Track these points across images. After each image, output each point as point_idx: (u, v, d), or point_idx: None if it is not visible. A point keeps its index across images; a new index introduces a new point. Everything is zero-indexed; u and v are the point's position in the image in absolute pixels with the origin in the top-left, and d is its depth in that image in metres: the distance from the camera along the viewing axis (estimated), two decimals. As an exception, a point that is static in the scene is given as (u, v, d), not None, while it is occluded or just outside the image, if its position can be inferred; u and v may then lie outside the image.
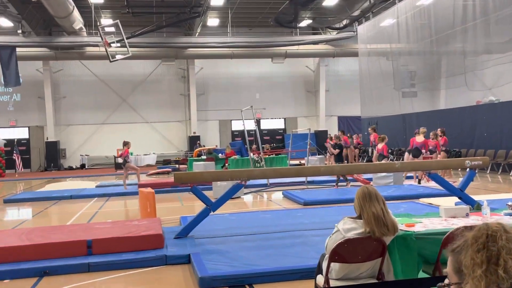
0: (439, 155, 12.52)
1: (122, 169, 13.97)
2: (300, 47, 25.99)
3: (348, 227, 3.18)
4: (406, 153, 12.81)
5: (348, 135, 21.01)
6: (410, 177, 13.09)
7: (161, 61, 26.28)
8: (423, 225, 3.80)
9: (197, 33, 25.29)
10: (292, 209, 9.10)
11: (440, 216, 4.18)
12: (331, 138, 21.07)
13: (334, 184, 11.91)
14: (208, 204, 6.37)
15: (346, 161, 17.38)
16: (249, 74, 28.70)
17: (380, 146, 12.29)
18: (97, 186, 14.97)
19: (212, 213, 6.53)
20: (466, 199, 6.81)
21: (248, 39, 25.18)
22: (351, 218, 3.24)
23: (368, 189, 3.21)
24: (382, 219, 3.11)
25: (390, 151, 17.71)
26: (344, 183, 11.81)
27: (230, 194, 6.57)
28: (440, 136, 12.95)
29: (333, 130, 28.88)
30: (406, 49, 20.54)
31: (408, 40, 19.95)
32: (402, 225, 3.69)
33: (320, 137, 26.06)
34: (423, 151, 12.27)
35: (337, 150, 11.81)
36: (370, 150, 18.67)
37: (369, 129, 15.83)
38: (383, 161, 11.31)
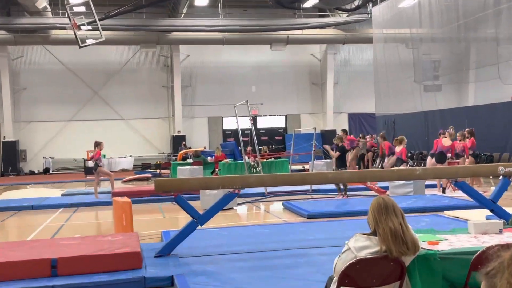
0: (467, 160, 12.56)
1: (93, 175, 13.93)
2: (304, 31, 26.03)
3: (360, 245, 3.18)
4: (429, 158, 12.84)
5: (361, 136, 21.04)
6: (433, 186, 13.12)
7: (140, 47, 26.26)
8: (448, 243, 3.80)
9: (183, 14, 25.29)
10: (294, 222, 9.08)
11: (468, 233, 4.19)
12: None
13: (337, 193, 11.92)
14: (195, 216, 6.36)
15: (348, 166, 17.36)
16: (244, 63, 28.72)
17: (398, 149, 12.30)
18: (63, 195, 14.93)
19: (199, 227, 6.51)
20: (499, 212, 6.82)
21: (242, 22, 25.20)
22: (364, 234, 3.24)
23: (384, 200, 3.21)
24: (400, 235, 3.11)
25: (409, 155, 17.74)
26: (342, 193, 11.84)
27: (221, 205, 6.55)
28: (467, 137, 12.99)
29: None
30: (429, 35, 20.59)
31: (432, 24, 20.00)
32: (424, 242, 3.69)
33: (327, 137, 26.07)
34: (449, 155, 12.30)
35: (338, 153, 11.80)
36: (378, 161, 18.69)
37: (379, 137, 15.84)
38: (401, 167, 11.34)
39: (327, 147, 12.42)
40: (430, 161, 12.63)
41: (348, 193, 12.82)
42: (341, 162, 11.86)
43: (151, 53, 27.51)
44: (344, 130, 16.14)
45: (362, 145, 20.13)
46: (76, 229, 9.33)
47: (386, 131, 22.19)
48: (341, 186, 11.82)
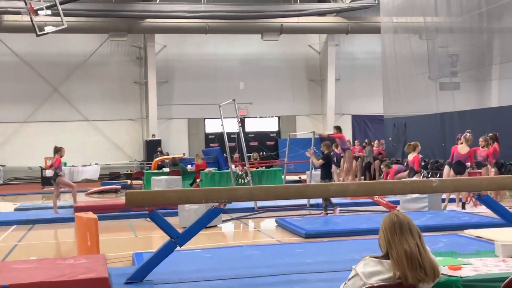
0: (492, 170, 12.61)
1: (52, 186, 13.84)
2: (301, 19, 26.11)
3: (370, 270, 3.15)
4: (446, 167, 12.88)
5: (366, 141, 21.08)
6: (451, 200, 13.16)
7: (108, 35, 26.18)
8: (473, 267, 3.79)
9: (159, -2, 25.28)
10: (289, 243, 9.04)
11: (496, 256, 4.18)
12: (337, 146, 21.18)
13: (322, 210, 11.95)
14: (173, 236, 6.31)
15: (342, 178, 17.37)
16: (230, 56, 28.74)
17: (411, 157, 12.31)
18: (16, 209, 14.81)
19: (178, 248, 6.46)
20: (529, 232, 6.83)
21: (229, 8, 25.24)
22: (374, 257, 3.21)
23: (398, 218, 3.19)
24: (417, 259, 3.09)
25: (423, 164, 17.80)
26: (331, 209, 11.85)
27: (204, 223, 6.51)
28: (490, 144, 13.06)
29: (345, 133, 28.90)
30: (446, 25, 20.70)
31: (449, 12, 20.12)
32: (444, 267, 3.68)
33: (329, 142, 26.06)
34: (468, 164, 12.35)
35: (321, 161, 11.80)
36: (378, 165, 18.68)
37: (334, 128, 15.80)
38: (414, 178, 11.37)
39: (310, 153, 12.41)
40: (447, 171, 12.66)
41: (351, 208, 12.83)
42: (325, 173, 11.87)
43: (121, 43, 27.44)
44: (337, 127, 16.02)
45: (368, 152, 20.17)
46: (31, 250, 9.23)
47: (396, 136, 22.34)
48: (327, 202, 11.84)
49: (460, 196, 12.58)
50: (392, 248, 3.13)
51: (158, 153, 25.21)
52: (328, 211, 11.87)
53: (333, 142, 16.84)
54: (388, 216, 3.24)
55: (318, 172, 16.50)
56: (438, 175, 17.64)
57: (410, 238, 3.13)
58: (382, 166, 16.16)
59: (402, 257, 3.09)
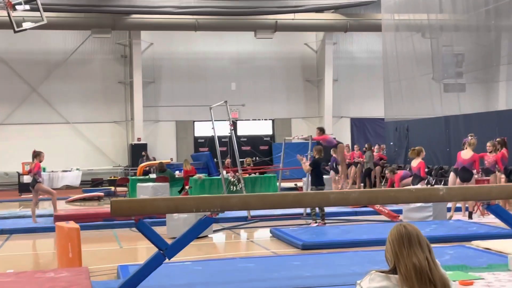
0: (502, 177, 12.61)
1: (30, 193, 13.77)
2: (297, 15, 26.12)
3: (377, 285, 3.12)
4: (452, 174, 12.88)
5: (366, 146, 21.10)
6: (457, 209, 13.14)
7: (90, 32, 26.10)
8: (485, 283, 3.77)
9: (146, -7, 25.23)
10: (285, 255, 9.02)
11: (509, 270, 4.16)
12: (335, 151, 21.17)
13: (312, 220, 11.89)
14: (161, 247, 6.27)
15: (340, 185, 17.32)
16: (221, 55, 28.72)
17: (415, 163, 12.31)
18: (-9, 218, 14.67)
19: (167, 260, 6.43)
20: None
21: (220, 3, 25.22)
22: (381, 272, 3.18)
23: (406, 229, 3.15)
24: (427, 274, 3.05)
25: (426, 170, 17.82)
26: (318, 219, 11.81)
27: (195, 233, 6.49)
28: (498, 149, 13.09)
29: (344, 137, 28.96)
30: (451, 23, 20.75)
31: (454, 9, 20.17)
32: (455, 282, 3.65)
33: (325, 147, 26.10)
34: (475, 171, 12.36)
35: (308, 167, 11.78)
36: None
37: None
38: (418, 186, 11.37)
39: (301, 157, 12.39)
40: (452, 178, 12.66)
41: (351, 218, 12.83)
42: (315, 180, 11.85)
43: (105, 40, 27.36)
44: (320, 128, 15.87)
45: (368, 158, 20.20)
46: (8, 263, 9.16)
47: (397, 140, 22.36)
48: (317, 211, 11.81)
49: (467, 205, 12.58)
50: (400, 261, 3.10)
51: (143, 158, 25.12)
52: (318, 221, 11.79)
53: (329, 147, 16.78)
54: (396, 227, 3.21)
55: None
56: (442, 182, 17.66)
57: (419, 251, 3.10)
58: (386, 172, 16.13)
59: (410, 272, 3.06)
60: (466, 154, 12.44)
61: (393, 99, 23.11)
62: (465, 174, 12.33)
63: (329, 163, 19.02)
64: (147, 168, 22.07)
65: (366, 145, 21.49)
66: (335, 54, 29.33)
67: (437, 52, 21.20)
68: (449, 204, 12.70)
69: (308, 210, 13.24)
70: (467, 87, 21.04)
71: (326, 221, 11.93)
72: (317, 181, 11.82)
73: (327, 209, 12.31)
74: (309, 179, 13.53)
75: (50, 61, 27.18)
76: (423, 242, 3.14)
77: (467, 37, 20.62)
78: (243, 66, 28.94)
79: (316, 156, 12.03)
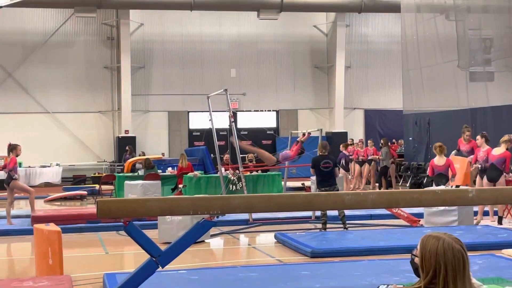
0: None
1: (5, 191, 13.77)
2: (305, -6, 26.12)
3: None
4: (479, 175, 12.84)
5: (382, 142, 21.06)
6: (485, 213, 13.12)
7: (73, 11, 26.10)
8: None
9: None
10: (292, 263, 9.02)
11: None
12: (346, 146, 21.15)
13: (322, 226, 11.87)
14: (154, 254, 6.22)
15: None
16: (220, 38, 28.70)
17: (441, 161, 12.24)
18: (-39, 219, 14.68)
19: (160, 268, 6.39)
20: None
21: (219, -21, 25.19)
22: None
23: (454, 250, 3.11)
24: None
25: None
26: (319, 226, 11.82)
27: (191, 238, 6.42)
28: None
29: (357, 131, 28.94)
30: (478, 3, 20.70)
31: (483, -13, 20.12)
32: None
33: (336, 142, 26.12)
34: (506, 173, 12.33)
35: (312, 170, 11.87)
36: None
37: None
38: (442, 187, 11.31)
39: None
40: (480, 179, 12.63)
41: (365, 221, 12.83)
42: (319, 180, 11.83)
43: (89, 20, 27.36)
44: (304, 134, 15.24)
45: (384, 154, 20.18)
46: (-20, 269, 9.16)
47: (417, 135, 22.32)
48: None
49: (496, 209, 12.54)
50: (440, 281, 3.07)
51: (127, 153, 24.85)
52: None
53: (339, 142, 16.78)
54: (442, 243, 3.14)
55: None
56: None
57: (466, 281, 3.08)
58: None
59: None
60: (497, 150, 12.40)
61: (413, 88, 23.08)
62: (493, 172, 12.29)
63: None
64: (138, 164, 22.04)
65: (382, 140, 21.46)
66: (347, 37, 29.30)
67: (463, 37, 21.14)
68: (476, 208, 12.67)
69: (317, 212, 13.26)
70: (496, 75, 21.01)
71: (334, 225, 11.93)
72: (319, 183, 11.81)
73: (335, 212, 12.25)
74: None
75: (27, 43, 27.13)
76: (467, 268, 3.12)
77: (496, 20, 20.57)
78: (244, 50, 28.92)
79: (319, 153, 12.03)
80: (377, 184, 21.08)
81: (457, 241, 3.18)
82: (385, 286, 3.27)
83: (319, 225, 12.97)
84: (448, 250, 3.12)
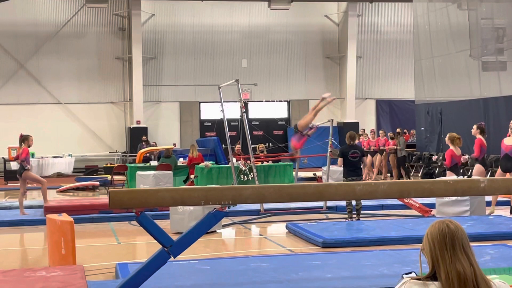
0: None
1: (18, 181, 13.82)
2: (316, -17, 26.04)
3: (415, 294, 3.07)
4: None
5: (398, 131, 21.04)
6: (498, 203, 13.07)
7: (84, 2, 26.12)
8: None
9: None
10: (303, 253, 9.04)
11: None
12: (359, 136, 21.13)
13: (348, 216, 11.88)
14: (166, 244, 6.27)
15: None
16: (231, 28, 28.66)
17: (456, 150, 12.20)
18: (-26, 209, 14.76)
19: (172, 259, 6.43)
20: None
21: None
22: (417, 279, 3.12)
23: (449, 228, 3.08)
24: (473, 282, 3.00)
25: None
26: (352, 214, 11.81)
27: (203, 229, 6.47)
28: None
29: (368, 121, 28.87)
30: (491, -8, 20.60)
31: (496, -24, 20.01)
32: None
33: (347, 133, 26.10)
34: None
35: (340, 159, 11.90)
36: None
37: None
38: (453, 177, 11.28)
39: (334, 153, 12.42)
40: (500, 170, 12.58)
41: (377, 212, 12.81)
42: (345, 170, 11.86)
43: (101, 11, 27.36)
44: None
45: (402, 144, 20.25)
46: (-7, 260, 9.22)
47: (429, 125, 22.27)
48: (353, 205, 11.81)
49: (510, 199, 12.50)
50: (441, 267, 3.03)
51: (143, 143, 25.14)
52: (353, 217, 11.81)
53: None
54: (437, 225, 3.13)
55: (336, 168, 16.47)
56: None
57: (464, 256, 3.03)
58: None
59: (453, 281, 3.00)
60: (509, 140, 12.33)
61: (425, 78, 23.04)
62: (507, 163, 12.23)
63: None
64: (148, 154, 22.08)
65: (398, 130, 21.50)
66: (359, 27, 29.20)
67: (476, 26, 21.05)
68: (488, 198, 12.63)
69: (329, 203, 13.27)
70: (508, 65, 20.92)
71: (345, 215, 11.96)
72: (347, 173, 11.82)
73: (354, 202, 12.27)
74: (329, 167, 13.71)
75: (40, 34, 27.18)
76: (466, 245, 3.08)
77: (509, 9, 20.47)
78: (255, 40, 28.86)
79: (347, 143, 12.04)
80: (388, 175, 21.08)
81: (454, 224, 3.14)
82: (408, 274, 3.25)
83: (331, 215, 13.02)
84: (437, 230, 3.10)
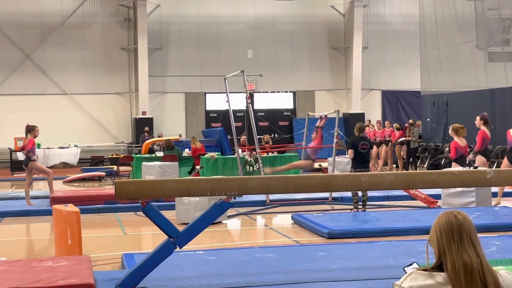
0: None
1: (24, 172, 13.86)
2: (322, -26, 25.98)
3: (420, 284, 3.07)
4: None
5: (410, 122, 21.03)
6: (504, 194, 13.05)
7: (90, -8, 26.17)
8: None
9: None
10: (309, 244, 9.05)
11: None
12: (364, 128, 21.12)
13: (354, 206, 11.85)
14: (172, 234, 6.30)
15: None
16: (236, 19, 28.64)
17: (462, 142, 12.17)
18: (-19, 200, 14.81)
19: (177, 249, 6.45)
20: None
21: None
22: (423, 270, 3.13)
23: (457, 219, 3.09)
24: (479, 275, 3.00)
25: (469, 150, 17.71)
26: (358, 205, 11.79)
27: (209, 219, 6.50)
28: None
29: (374, 112, 28.86)
30: (498, -18, 20.51)
31: (503, -34, 19.92)
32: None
33: (353, 124, 26.06)
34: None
35: (350, 151, 11.88)
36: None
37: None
38: (460, 168, 11.26)
39: (340, 144, 12.44)
40: (505, 161, 12.55)
41: (383, 202, 12.82)
42: (354, 161, 11.84)
43: (106, 1, 27.47)
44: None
45: (416, 135, 20.30)
46: (0, 250, 9.21)
47: (435, 116, 22.25)
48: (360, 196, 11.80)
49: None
50: (447, 258, 3.04)
51: (145, 134, 25.06)
52: (359, 208, 11.79)
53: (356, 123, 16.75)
54: (444, 216, 3.14)
55: (344, 158, 16.47)
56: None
57: (471, 247, 3.04)
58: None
59: (459, 271, 3.00)
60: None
61: (431, 69, 23.00)
62: (513, 155, 12.21)
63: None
64: (153, 145, 22.10)
65: (410, 120, 21.53)
66: (365, 18, 29.17)
67: (482, 16, 20.97)
68: (495, 189, 12.61)
69: (335, 193, 13.27)
70: (515, 56, 20.87)
71: (350, 206, 11.96)
72: (355, 164, 11.80)
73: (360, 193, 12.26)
74: (334, 158, 13.73)
75: (45, 25, 27.20)
76: (474, 237, 3.08)
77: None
78: (261, 31, 28.83)
79: (356, 134, 12.02)
80: (394, 166, 21.07)
81: (462, 215, 3.15)
82: (409, 266, 3.25)
83: (336, 206, 13.02)
84: (444, 220, 3.10)
